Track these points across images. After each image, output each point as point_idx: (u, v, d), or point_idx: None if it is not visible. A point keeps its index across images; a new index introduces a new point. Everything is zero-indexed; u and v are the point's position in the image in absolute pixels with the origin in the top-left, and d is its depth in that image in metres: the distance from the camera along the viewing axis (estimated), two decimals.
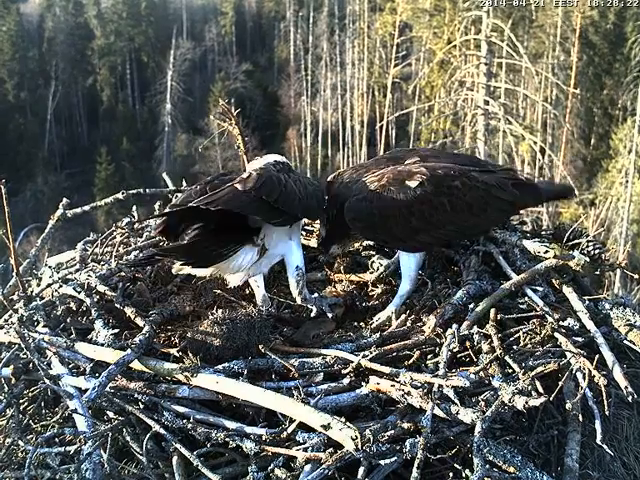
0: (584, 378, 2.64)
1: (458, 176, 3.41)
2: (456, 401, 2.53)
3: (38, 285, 3.72)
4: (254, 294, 3.59)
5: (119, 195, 4.33)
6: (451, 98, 31.28)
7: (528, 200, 3.76)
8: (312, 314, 3.52)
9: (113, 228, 4.22)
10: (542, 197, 3.84)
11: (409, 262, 3.54)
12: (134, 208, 4.64)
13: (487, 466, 2.33)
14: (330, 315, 3.49)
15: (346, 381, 2.76)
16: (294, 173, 3.37)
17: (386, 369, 2.73)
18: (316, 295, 3.57)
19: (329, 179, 3.82)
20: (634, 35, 38.94)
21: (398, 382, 2.66)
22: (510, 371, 2.73)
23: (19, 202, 41.25)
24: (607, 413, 2.54)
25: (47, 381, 2.87)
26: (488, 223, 3.62)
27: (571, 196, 4.14)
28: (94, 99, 56.78)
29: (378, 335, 3.10)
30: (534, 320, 3.01)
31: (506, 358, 2.76)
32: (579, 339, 2.91)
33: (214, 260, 3.10)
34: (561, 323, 3.01)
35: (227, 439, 2.61)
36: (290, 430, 2.55)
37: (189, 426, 2.67)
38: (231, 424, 2.67)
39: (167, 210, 3.14)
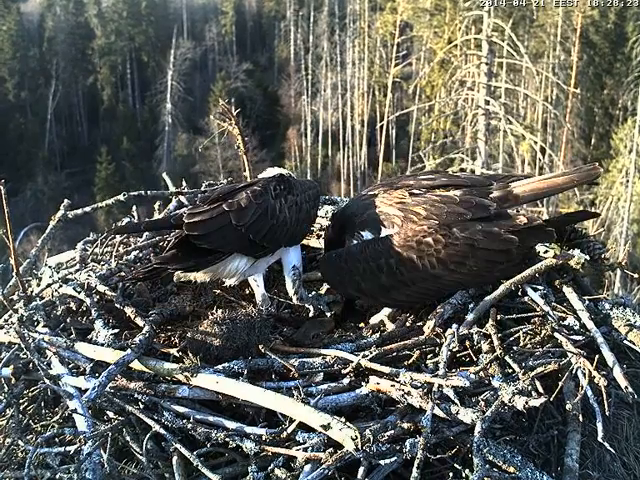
0: (584, 378, 2.64)
1: (433, 232, 3.14)
2: (456, 401, 2.53)
3: (38, 285, 3.71)
4: (254, 294, 3.59)
5: (120, 197, 4.33)
6: (451, 98, 31.28)
7: (533, 243, 3.34)
8: (310, 314, 3.52)
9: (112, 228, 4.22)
10: (552, 236, 3.30)
11: None
12: (134, 208, 4.65)
13: (487, 466, 2.33)
14: (328, 313, 3.49)
15: (346, 381, 2.76)
16: (293, 190, 3.31)
17: (386, 369, 2.73)
18: (313, 293, 3.57)
19: (333, 216, 3.71)
20: (635, 35, 38.94)
21: (398, 382, 2.65)
22: (510, 371, 2.73)
23: (19, 202, 41.26)
24: (607, 413, 2.53)
25: (47, 381, 2.87)
26: (475, 277, 3.19)
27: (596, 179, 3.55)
28: (94, 98, 56.77)
29: (378, 335, 3.11)
30: (534, 320, 3.01)
31: (506, 358, 2.75)
32: (579, 339, 2.91)
33: (206, 265, 3.13)
34: (561, 323, 3.01)
35: (227, 439, 2.61)
36: (290, 430, 2.55)
37: (189, 426, 2.67)
38: (231, 424, 2.67)
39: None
